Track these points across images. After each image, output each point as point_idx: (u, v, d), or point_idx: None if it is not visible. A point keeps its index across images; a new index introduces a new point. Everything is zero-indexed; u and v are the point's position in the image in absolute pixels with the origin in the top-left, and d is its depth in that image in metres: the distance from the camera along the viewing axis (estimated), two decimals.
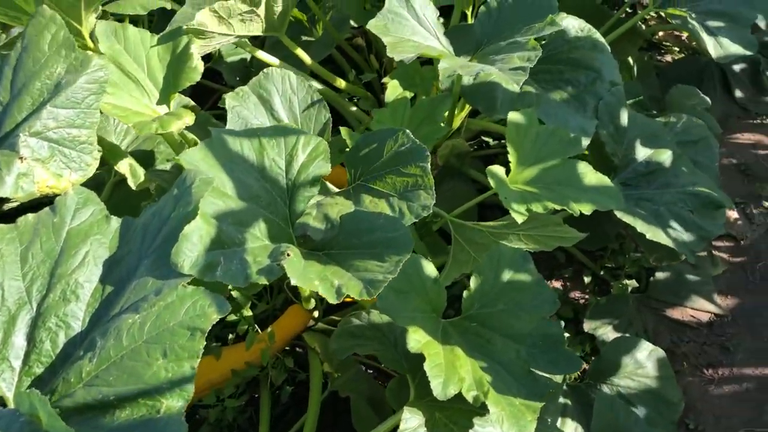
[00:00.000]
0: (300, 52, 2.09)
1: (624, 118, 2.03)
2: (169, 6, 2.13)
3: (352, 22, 2.52)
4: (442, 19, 1.81)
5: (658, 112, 2.75)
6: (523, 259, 1.51)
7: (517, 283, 1.49)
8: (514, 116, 1.75)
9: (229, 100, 1.63)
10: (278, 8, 1.82)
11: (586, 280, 2.33)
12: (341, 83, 2.25)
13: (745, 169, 2.75)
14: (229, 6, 1.69)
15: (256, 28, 1.85)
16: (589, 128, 1.92)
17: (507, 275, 1.49)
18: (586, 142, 1.87)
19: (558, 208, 1.64)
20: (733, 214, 2.62)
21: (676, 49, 3.30)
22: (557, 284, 2.35)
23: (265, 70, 1.67)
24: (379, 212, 1.38)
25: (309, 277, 1.20)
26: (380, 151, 1.50)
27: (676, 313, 2.27)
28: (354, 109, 2.26)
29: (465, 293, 1.50)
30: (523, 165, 1.75)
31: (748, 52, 2.25)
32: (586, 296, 2.32)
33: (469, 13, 2.18)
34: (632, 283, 2.27)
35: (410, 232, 1.32)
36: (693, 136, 2.27)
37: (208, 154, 1.34)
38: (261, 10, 1.78)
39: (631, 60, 2.74)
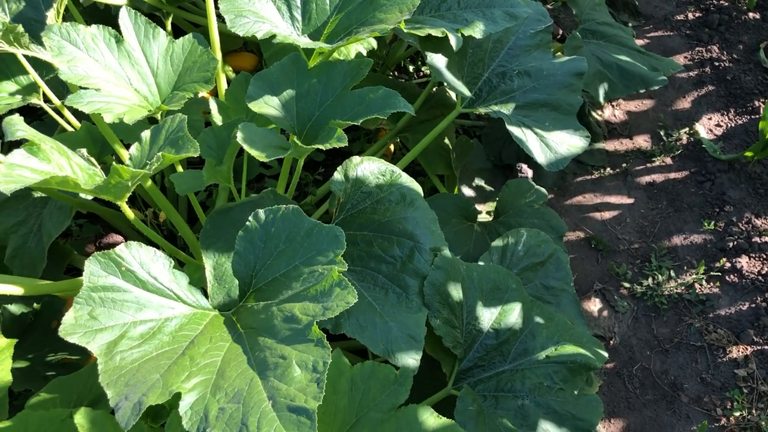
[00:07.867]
0: None
1: (458, 291, 1.57)
2: None
3: None
4: (178, 273, 1.21)
5: (489, 197, 2.36)
6: None
7: None
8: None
9: None
10: None
11: None
12: None
13: (596, 244, 2.42)
14: None
15: None
16: (419, 330, 1.44)
17: None
18: (415, 362, 1.38)
19: None
20: (595, 306, 2.28)
21: None
22: None
23: None
24: None
25: None
26: None
27: None
28: None
29: None
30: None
31: (579, 150, 1.86)
32: None
33: (235, 192, 1.61)
34: None
35: None
36: (539, 257, 1.86)
37: None
38: None
39: (449, 144, 2.31)
